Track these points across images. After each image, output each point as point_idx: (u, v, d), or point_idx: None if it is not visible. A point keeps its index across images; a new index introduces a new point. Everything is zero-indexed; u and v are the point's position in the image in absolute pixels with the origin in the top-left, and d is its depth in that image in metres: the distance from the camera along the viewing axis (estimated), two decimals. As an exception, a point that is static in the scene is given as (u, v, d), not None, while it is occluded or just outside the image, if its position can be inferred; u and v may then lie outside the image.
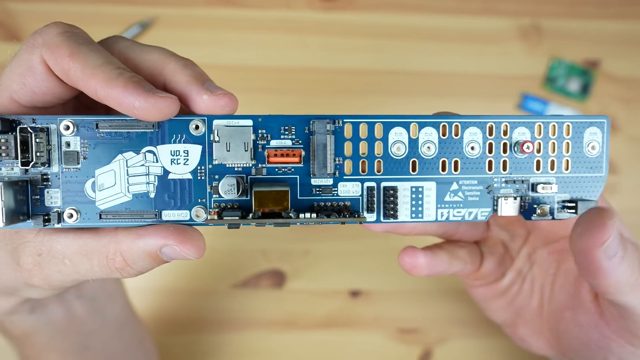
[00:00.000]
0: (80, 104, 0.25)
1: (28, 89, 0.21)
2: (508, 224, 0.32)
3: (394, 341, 0.49)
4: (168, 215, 0.22)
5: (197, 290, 0.49)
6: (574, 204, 0.23)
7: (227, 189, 0.22)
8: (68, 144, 0.21)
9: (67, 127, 0.21)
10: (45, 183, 0.22)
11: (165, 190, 0.22)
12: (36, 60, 0.21)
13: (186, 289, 0.49)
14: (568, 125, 0.22)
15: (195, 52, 0.57)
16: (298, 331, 0.48)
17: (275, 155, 0.22)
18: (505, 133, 0.22)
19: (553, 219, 0.24)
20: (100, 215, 0.22)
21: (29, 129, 0.21)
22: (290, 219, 0.22)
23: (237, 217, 0.22)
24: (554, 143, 0.22)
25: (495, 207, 0.23)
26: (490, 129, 0.22)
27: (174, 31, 0.54)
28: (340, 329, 0.48)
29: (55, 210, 0.22)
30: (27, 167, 0.21)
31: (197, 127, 0.21)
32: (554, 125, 0.22)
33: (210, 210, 0.22)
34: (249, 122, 0.22)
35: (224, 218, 0.22)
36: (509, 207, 0.23)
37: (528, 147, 0.22)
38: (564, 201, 0.24)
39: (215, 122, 0.21)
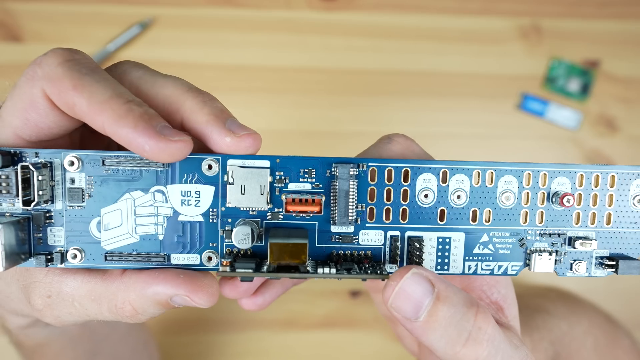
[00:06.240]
0: (88, 130, 0.24)
1: (32, 124, 0.20)
2: None
3: (394, 341, 0.48)
4: (177, 259, 0.21)
5: (197, 290, 0.49)
6: (614, 262, 0.22)
7: (241, 238, 0.20)
8: (72, 181, 0.20)
9: (72, 163, 0.20)
10: (48, 221, 0.20)
11: (174, 232, 0.21)
12: (38, 95, 0.19)
13: (186, 289, 0.49)
14: (613, 176, 0.20)
15: (195, 52, 0.57)
16: (298, 331, 0.48)
17: (294, 201, 0.20)
18: (543, 183, 0.20)
19: (589, 275, 0.22)
20: (105, 256, 0.21)
21: (30, 166, 0.19)
22: (307, 273, 0.20)
23: (250, 270, 0.20)
24: (596, 195, 0.20)
25: (527, 261, 0.22)
26: (528, 177, 0.20)
27: (174, 31, 0.54)
28: (340, 329, 0.48)
29: (58, 249, 0.21)
30: (27, 207, 0.20)
31: (210, 167, 0.20)
32: (597, 176, 0.20)
33: (222, 260, 0.20)
34: (266, 163, 0.20)
35: (237, 270, 0.20)
36: (543, 264, 0.21)
37: (568, 201, 0.20)
38: (602, 257, 0.22)
39: (230, 162, 0.20)
